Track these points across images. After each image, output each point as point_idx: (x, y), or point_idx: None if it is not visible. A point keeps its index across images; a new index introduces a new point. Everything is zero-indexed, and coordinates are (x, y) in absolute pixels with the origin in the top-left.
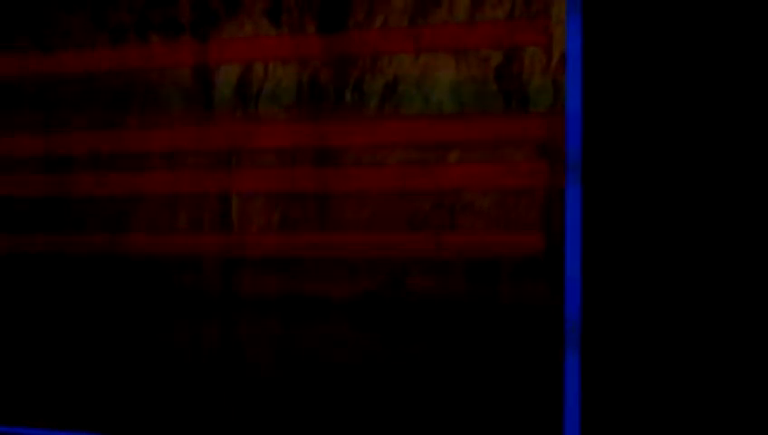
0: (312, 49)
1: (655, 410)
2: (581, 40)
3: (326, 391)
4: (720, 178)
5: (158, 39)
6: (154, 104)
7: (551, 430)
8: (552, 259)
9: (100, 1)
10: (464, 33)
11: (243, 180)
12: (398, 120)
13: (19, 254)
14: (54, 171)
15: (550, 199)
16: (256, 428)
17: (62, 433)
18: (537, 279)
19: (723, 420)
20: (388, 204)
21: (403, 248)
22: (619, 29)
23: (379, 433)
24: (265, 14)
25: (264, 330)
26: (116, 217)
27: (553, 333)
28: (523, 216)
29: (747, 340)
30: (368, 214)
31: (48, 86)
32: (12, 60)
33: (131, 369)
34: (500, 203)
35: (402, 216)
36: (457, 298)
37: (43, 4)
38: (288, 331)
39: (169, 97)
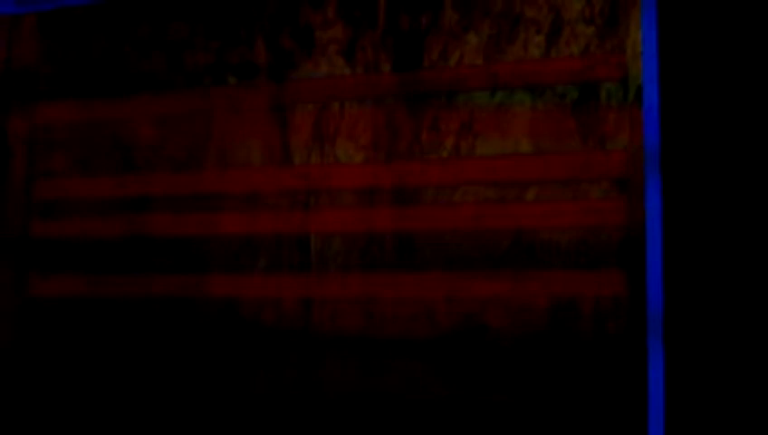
0: (388, 87)
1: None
2: (658, 73)
3: (405, 432)
4: None
5: (235, 80)
6: (231, 145)
7: None
8: (633, 296)
9: (176, 44)
10: (539, 70)
11: (321, 220)
12: (475, 158)
13: (97, 295)
14: (133, 212)
15: (629, 236)
16: None
17: None
18: (618, 317)
19: None
20: (466, 242)
21: (482, 287)
22: (696, 59)
23: None
24: (340, 54)
25: (343, 370)
26: (194, 258)
27: (636, 371)
28: (602, 253)
29: None
30: (446, 253)
31: (126, 128)
32: (90, 103)
33: (212, 411)
34: (579, 240)
35: (480, 254)
36: (537, 337)
37: (120, 48)
38: (367, 371)
39: (246, 137)
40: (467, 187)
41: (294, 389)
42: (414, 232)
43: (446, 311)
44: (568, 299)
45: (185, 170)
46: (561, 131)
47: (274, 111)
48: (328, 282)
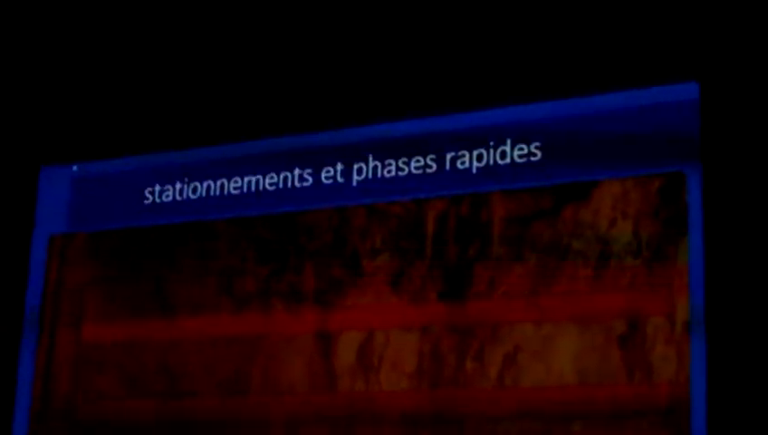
0: (433, 317)
1: None
2: (705, 308)
3: None
4: None
5: (282, 306)
6: (276, 370)
7: None
8: None
9: (225, 269)
10: (586, 303)
11: None
12: (519, 389)
13: None
14: None
15: None
16: None
17: None
18: None
19: None
20: None
21: None
22: (744, 294)
23: None
24: (387, 283)
25: None
26: None
27: None
28: None
29: None
30: None
31: (172, 351)
32: (137, 325)
33: None
34: None
35: None
36: None
37: (169, 270)
38: None
39: (291, 363)
40: (511, 419)
41: None
42: None
43: None
44: None
45: (229, 395)
46: (606, 364)
47: (320, 338)
48: None
